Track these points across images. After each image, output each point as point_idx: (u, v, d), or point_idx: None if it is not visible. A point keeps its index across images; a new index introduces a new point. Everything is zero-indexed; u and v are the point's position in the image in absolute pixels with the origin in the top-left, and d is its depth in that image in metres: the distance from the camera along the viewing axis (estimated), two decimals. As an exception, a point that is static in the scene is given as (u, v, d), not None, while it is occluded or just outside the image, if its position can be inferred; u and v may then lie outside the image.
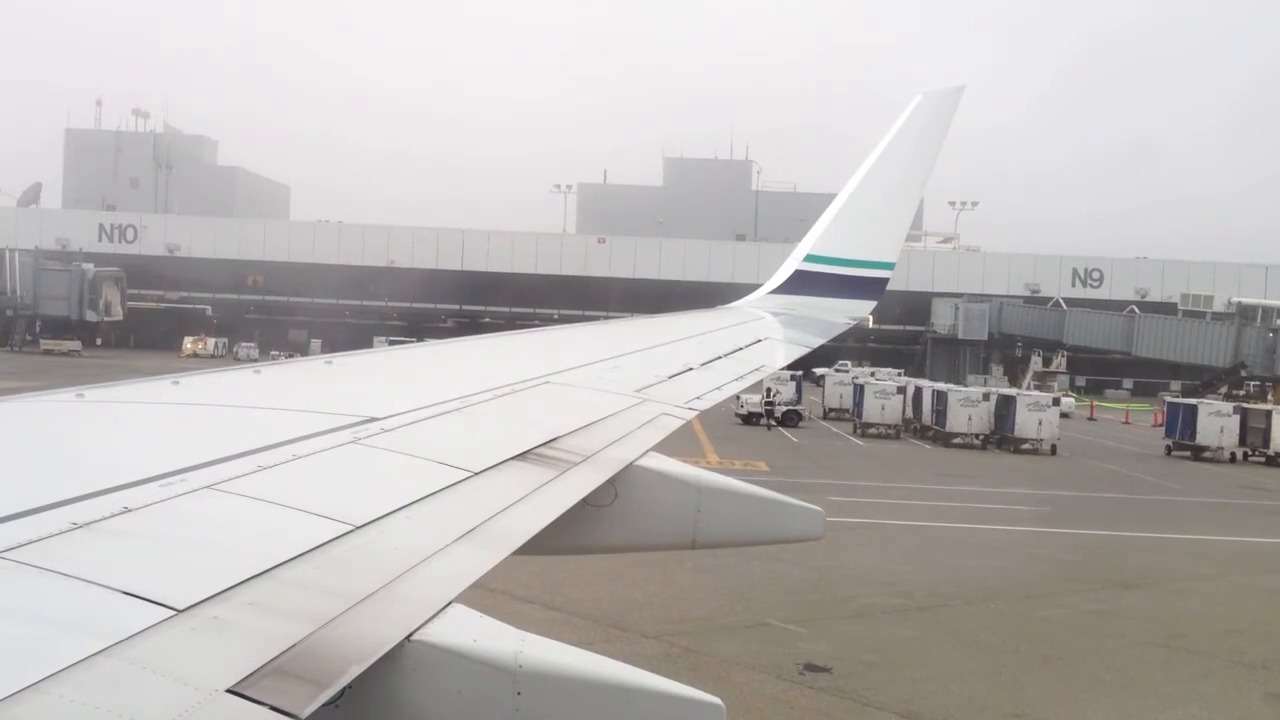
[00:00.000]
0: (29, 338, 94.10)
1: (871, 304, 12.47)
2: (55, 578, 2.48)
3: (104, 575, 2.52)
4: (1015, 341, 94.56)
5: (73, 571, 2.51)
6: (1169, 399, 57.30)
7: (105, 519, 2.87)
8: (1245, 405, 53.59)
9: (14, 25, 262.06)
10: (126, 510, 2.95)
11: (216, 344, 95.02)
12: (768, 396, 52.95)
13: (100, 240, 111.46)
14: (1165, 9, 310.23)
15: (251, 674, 2.26)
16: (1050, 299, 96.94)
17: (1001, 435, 48.67)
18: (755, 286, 13.21)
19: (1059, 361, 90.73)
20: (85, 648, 2.19)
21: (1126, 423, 70.84)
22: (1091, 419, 72.08)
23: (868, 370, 77.52)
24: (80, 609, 2.40)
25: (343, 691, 2.38)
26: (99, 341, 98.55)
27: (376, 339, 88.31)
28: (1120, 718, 14.25)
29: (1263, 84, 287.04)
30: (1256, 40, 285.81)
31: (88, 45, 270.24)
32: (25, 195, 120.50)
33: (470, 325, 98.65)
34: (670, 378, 7.12)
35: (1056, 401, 51.30)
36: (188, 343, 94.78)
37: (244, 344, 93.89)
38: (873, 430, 52.05)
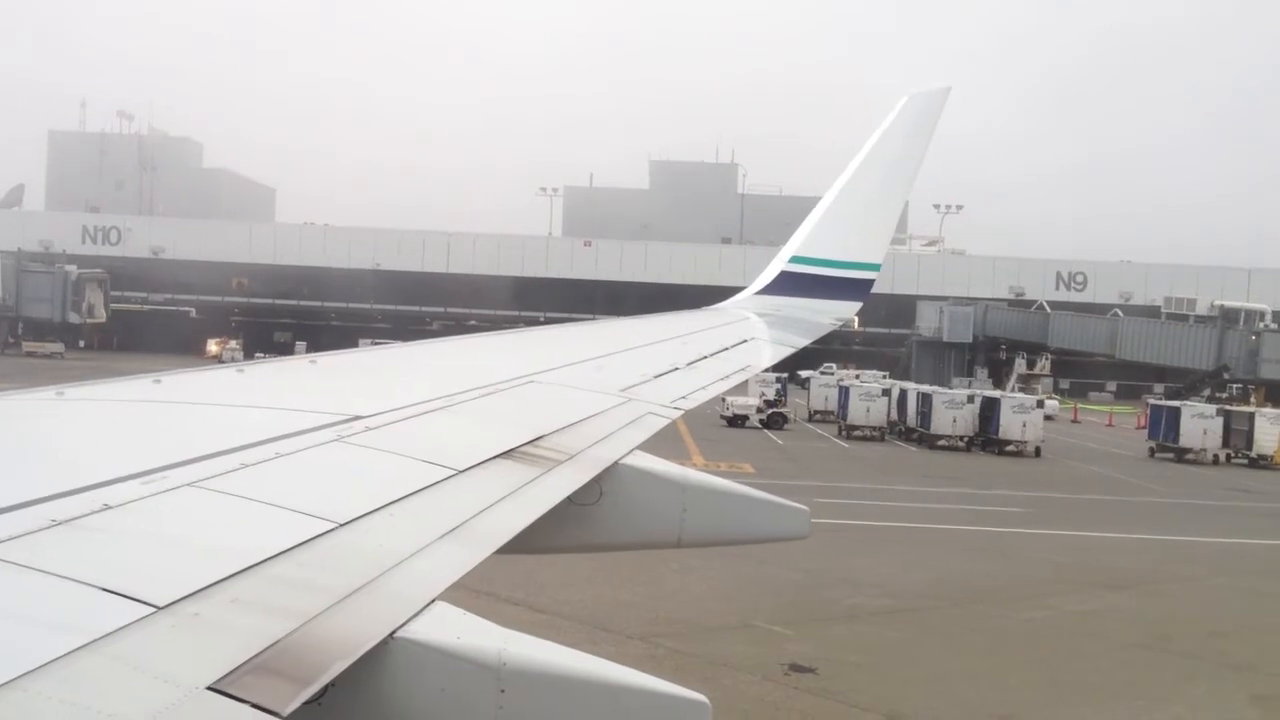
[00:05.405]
0: (11, 340, 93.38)
1: (857, 305, 12.50)
2: (34, 574, 2.45)
3: (83, 572, 2.49)
4: (1000, 344, 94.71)
5: (51, 568, 2.48)
6: (1152, 401, 57.58)
7: (85, 516, 2.84)
8: (1228, 408, 53.90)
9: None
10: (106, 507, 2.92)
11: (238, 345, 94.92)
12: (770, 395, 53.56)
13: (84, 242, 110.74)
14: (1152, 15, 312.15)
15: (233, 671, 2.23)
16: (1035, 302, 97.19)
17: (986, 437, 48.86)
18: (741, 289, 13.21)
19: (1043, 364, 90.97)
20: (64, 645, 2.16)
21: (1110, 425, 71.19)
22: (1075, 421, 72.38)
23: (853, 372, 77.72)
24: (59, 606, 2.37)
25: (325, 689, 2.35)
26: (82, 344, 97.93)
27: (362, 342, 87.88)
28: (1107, 719, 14.29)
29: (1246, 90, 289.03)
30: (1241, 47, 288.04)
31: (71, 47, 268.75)
32: (8, 197, 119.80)
33: (456, 328, 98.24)
34: (656, 377, 7.11)
35: (1041, 404, 51.59)
36: (212, 344, 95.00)
37: (229, 345, 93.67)
38: (858, 432, 52.15)
